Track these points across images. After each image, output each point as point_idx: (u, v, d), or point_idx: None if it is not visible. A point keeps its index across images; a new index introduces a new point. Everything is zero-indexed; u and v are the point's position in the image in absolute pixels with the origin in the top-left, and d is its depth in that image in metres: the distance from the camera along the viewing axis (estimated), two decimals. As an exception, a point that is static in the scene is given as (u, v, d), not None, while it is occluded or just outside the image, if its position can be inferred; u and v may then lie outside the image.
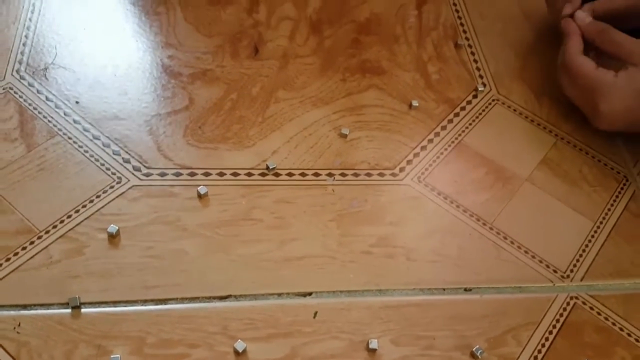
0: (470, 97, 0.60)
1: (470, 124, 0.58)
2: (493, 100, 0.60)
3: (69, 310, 0.41)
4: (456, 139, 0.56)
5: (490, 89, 0.61)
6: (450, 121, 0.58)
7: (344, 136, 0.54)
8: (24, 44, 0.56)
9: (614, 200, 0.54)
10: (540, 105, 0.60)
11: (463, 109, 0.59)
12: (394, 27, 0.66)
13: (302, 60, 0.60)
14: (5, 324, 0.40)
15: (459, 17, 0.68)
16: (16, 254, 0.43)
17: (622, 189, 0.55)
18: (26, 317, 0.40)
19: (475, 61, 0.64)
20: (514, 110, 0.60)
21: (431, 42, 0.65)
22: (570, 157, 0.56)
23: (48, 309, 0.41)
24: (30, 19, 0.58)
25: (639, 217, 0.53)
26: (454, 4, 0.69)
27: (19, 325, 0.40)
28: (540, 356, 0.44)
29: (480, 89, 0.61)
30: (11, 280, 0.42)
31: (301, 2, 0.66)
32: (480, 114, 0.59)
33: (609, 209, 0.53)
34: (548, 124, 0.59)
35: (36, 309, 0.41)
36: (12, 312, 0.40)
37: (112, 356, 0.39)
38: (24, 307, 0.41)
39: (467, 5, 0.69)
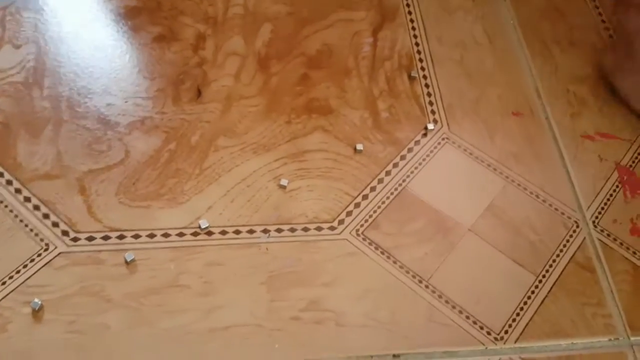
0: (419, 137, 0.58)
1: (416, 168, 0.56)
2: (443, 139, 0.58)
3: (-12, 392, 0.41)
4: (400, 185, 0.55)
5: (442, 126, 0.59)
6: (396, 165, 0.56)
7: (283, 187, 0.53)
8: (-40, 97, 0.55)
9: (560, 251, 0.52)
10: (493, 142, 0.59)
11: (410, 150, 0.57)
12: (346, 58, 0.64)
13: (246, 102, 0.59)
14: None
15: (417, 44, 0.66)
16: (-62, 332, 0.43)
17: (571, 236, 0.53)
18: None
19: (429, 94, 0.62)
20: (464, 149, 0.58)
21: (384, 74, 0.63)
22: (518, 202, 0.55)
23: (-33, 391, 0.41)
24: (-31, 68, 0.57)
25: (585, 269, 0.52)
26: (413, 28, 0.67)
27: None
28: None
29: (430, 127, 0.59)
30: None
31: (250, 35, 0.64)
32: (428, 155, 0.57)
33: (554, 260, 0.52)
34: (499, 164, 0.57)
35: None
36: None
37: None
38: (-57, 390, 0.41)
39: (427, 29, 0.67)
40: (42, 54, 0.59)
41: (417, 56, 0.65)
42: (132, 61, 0.60)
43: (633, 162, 0.59)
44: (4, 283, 0.46)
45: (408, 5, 0.69)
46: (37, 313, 0.44)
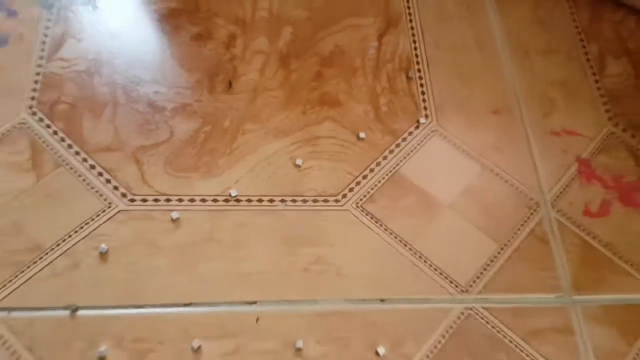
0: (412, 129, 0.70)
1: (408, 155, 0.68)
2: (432, 131, 0.70)
3: (67, 313, 0.54)
4: (394, 168, 0.67)
5: (432, 120, 0.71)
6: (391, 151, 0.68)
7: (298, 166, 0.65)
8: (35, 82, 0.67)
9: (522, 225, 0.64)
10: (473, 135, 0.70)
11: (404, 139, 0.69)
12: (354, 59, 0.75)
13: (269, 94, 0.71)
14: (20, 322, 0.53)
15: (415, 48, 0.77)
16: (28, 267, 0.56)
17: (532, 214, 0.65)
18: (36, 317, 0.53)
19: (423, 93, 0.73)
20: (449, 140, 0.69)
21: (386, 74, 0.74)
22: (490, 186, 0.67)
23: (52, 311, 0.54)
24: (41, 57, 0.69)
25: (541, 241, 0.63)
26: (413, 34, 0.78)
27: (30, 324, 0.53)
28: (432, 356, 0.55)
29: (422, 121, 0.70)
30: (24, 289, 0.55)
31: (274, 36, 0.76)
32: (419, 144, 0.69)
33: (515, 233, 0.63)
34: (477, 154, 0.69)
35: (43, 311, 0.54)
36: (25, 314, 0.54)
37: (99, 349, 0.52)
38: (34, 309, 0.54)
39: (425, 35, 0.78)
40: (100, 47, 0.71)
41: (415, 59, 0.76)
42: (174, 55, 0.72)
43: (591, 155, 0.70)
44: (76, 231, 0.58)
45: (410, 14, 0.80)
46: (103, 256, 0.57)
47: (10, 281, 0.55)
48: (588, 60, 0.78)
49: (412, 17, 0.80)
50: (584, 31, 0.82)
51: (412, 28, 0.78)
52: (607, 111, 0.73)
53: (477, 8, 0.82)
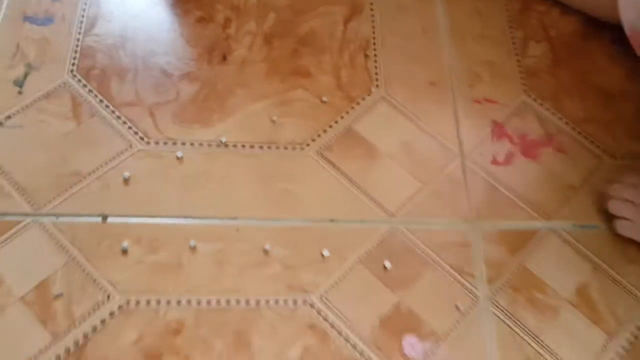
0: (365, 95, 0.90)
1: (361, 115, 0.88)
2: (381, 97, 0.90)
3: (99, 219, 0.75)
4: (349, 125, 0.87)
5: (381, 89, 0.91)
6: (348, 112, 0.88)
7: (274, 121, 0.86)
8: (75, 52, 0.88)
9: (441, 170, 0.84)
10: (412, 102, 0.90)
11: (358, 104, 0.89)
12: (324, 40, 0.95)
13: (255, 66, 0.91)
14: (65, 224, 0.74)
15: (374, 32, 0.96)
16: (71, 186, 0.77)
17: (450, 162, 0.85)
18: (76, 222, 0.75)
19: (376, 68, 0.93)
20: (394, 106, 0.89)
21: (348, 52, 0.94)
22: (422, 141, 0.86)
23: (88, 217, 0.75)
24: (79, 33, 0.90)
25: (456, 182, 0.83)
26: (372, 22, 0.98)
27: (72, 226, 0.74)
28: (362, 258, 0.76)
29: (373, 90, 0.90)
30: (69, 201, 0.76)
31: (260, 19, 0.95)
32: (369, 108, 0.89)
33: (435, 175, 0.84)
34: (413, 116, 0.88)
35: (81, 217, 0.75)
36: (69, 219, 0.75)
37: (122, 245, 0.74)
38: (75, 215, 0.75)
39: (382, 22, 0.97)
40: (124, 27, 0.91)
41: (372, 41, 0.95)
42: (182, 34, 0.92)
43: (505, 119, 0.90)
44: (106, 163, 0.79)
45: (371, 3, 0.99)
46: (126, 180, 0.78)
47: (59, 195, 0.76)
48: (514, 44, 0.97)
49: (373, 7, 0.99)
50: (514, 20, 1.00)
51: (372, 16, 0.98)
52: (523, 84, 0.93)
53: (429, 1, 1.01)
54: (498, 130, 0.88)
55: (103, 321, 0.69)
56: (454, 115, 0.89)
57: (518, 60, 0.96)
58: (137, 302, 0.71)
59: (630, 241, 0.80)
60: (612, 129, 0.91)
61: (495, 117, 0.90)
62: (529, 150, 0.87)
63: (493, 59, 0.96)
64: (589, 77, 0.95)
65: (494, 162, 0.86)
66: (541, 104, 0.91)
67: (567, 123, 0.90)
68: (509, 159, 0.86)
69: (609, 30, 0.97)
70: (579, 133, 0.90)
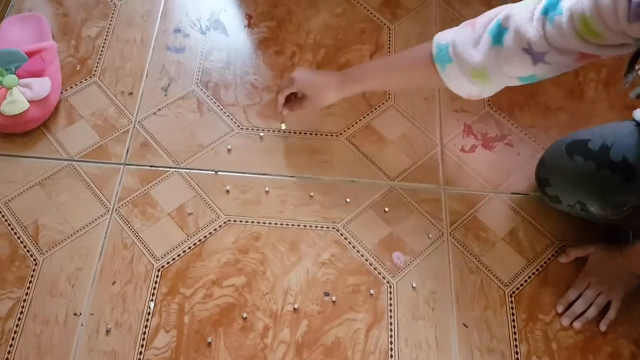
0: (382, 102, 1.38)
1: (378, 115, 1.36)
2: (390, 106, 1.37)
3: (213, 172, 1.26)
4: (369, 121, 1.35)
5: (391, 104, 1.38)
6: (367, 115, 1.36)
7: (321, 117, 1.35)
8: (198, 72, 1.40)
9: (426, 154, 1.31)
10: (401, 111, 1.36)
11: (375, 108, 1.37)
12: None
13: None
14: (196, 175, 1.25)
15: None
16: (196, 152, 1.28)
17: (432, 150, 1.31)
18: (201, 174, 1.26)
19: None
20: (403, 115, 1.37)
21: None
22: (418, 136, 1.33)
23: (207, 171, 1.26)
24: (200, 61, 1.42)
25: (435, 162, 1.30)
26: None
27: (200, 180, 1.25)
28: (352, 219, 1.24)
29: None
30: (200, 159, 1.27)
31: (314, 54, 1.45)
32: (383, 113, 1.36)
33: (420, 160, 1.30)
34: (414, 120, 1.35)
35: (205, 171, 1.26)
36: (198, 172, 1.26)
37: (226, 187, 1.24)
38: (202, 170, 1.26)
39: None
40: (229, 56, 1.42)
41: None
42: (265, 61, 1.42)
43: (472, 122, 1.35)
44: (216, 140, 1.30)
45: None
46: (229, 150, 1.28)
47: (190, 157, 1.27)
48: (487, 73, 1.43)
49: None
50: (489, 57, 1.46)
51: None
52: (487, 100, 1.38)
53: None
54: (467, 130, 1.34)
55: (215, 229, 1.20)
56: (439, 119, 1.35)
57: (488, 84, 1.41)
58: (235, 221, 1.21)
59: (550, 208, 1.24)
60: (549, 132, 1.34)
61: (466, 121, 1.36)
62: (487, 143, 1.32)
63: (471, 82, 1.41)
64: (536, 96, 1.39)
65: (462, 150, 1.31)
66: (499, 114, 1.37)
67: (517, 127, 1.35)
68: (472, 149, 1.31)
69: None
70: (525, 134, 1.34)
